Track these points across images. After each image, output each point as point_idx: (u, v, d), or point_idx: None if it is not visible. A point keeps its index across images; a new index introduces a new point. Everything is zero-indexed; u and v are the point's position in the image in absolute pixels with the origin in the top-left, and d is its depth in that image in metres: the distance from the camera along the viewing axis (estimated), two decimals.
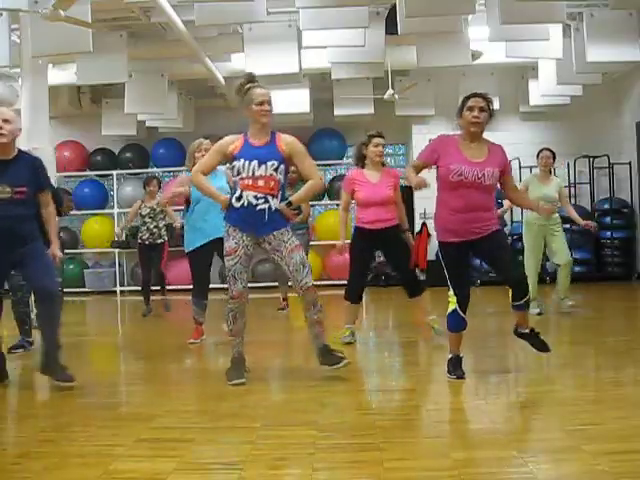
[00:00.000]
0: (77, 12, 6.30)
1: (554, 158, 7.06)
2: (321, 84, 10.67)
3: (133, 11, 8.27)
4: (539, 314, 6.80)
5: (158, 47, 9.19)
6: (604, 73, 9.80)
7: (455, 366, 4.25)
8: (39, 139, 7.57)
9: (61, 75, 9.60)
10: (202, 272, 5.87)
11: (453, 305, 4.20)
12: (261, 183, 4.18)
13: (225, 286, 4.44)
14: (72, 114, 11.76)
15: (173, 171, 12.30)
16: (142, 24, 8.74)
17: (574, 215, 7.08)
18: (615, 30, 7.85)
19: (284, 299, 8.14)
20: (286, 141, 4.32)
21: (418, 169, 4.22)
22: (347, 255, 5.82)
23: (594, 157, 11.03)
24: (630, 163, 10.76)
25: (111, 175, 12.19)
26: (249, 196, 4.18)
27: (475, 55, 8.91)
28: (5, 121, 4.22)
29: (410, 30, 7.56)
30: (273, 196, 4.22)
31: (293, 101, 10.22)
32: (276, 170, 4.21)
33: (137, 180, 12.79)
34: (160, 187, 8.39)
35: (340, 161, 12.14)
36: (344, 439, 3.12)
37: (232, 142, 4.31)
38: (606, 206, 10.91)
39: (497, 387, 4.12)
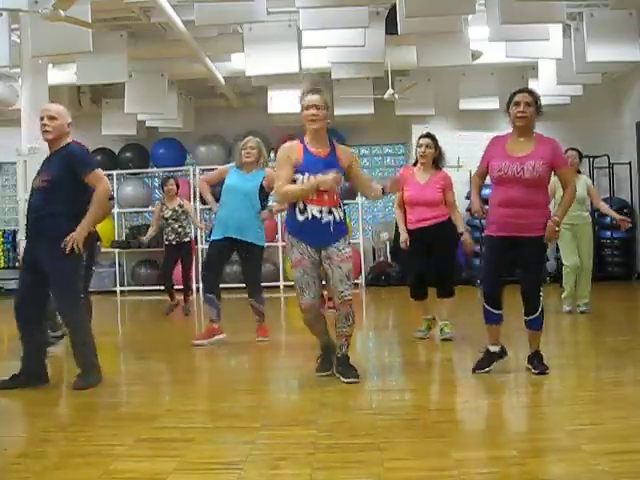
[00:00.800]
0: (77, 12, 6.30)
1: (580, 157, 7.05)
2: (321, 84, 10.66)
3: (133, 11, 8.28)
4: (583, 312, 6.91)
5: (158, 47, 9.19)
6: (604, 73, 9.81)
7: (482, 359, 4.34)
8: (39, 139, 7.56)
9: (61, 75, 9.61)
10: (213, 262, 5.83)
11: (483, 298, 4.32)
12: (326, 197, 4.14)
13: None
14: (72, 114, 11.66)
15: (173, 171, 12.30)
16: (142, 24, 8.75)
17: (608, 210, 7.05)
18: (615, 30, 7.86)
19: (329, 298, 8.13)
20: (345, 153, 4.31)
21: (482, 176, 4.40)
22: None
23: (594, 157, 11.03)
24: (630, 163, 10.76)
25: (111, 175, 12.16)
26: (313, 210, 4.13)
27: (475, 55, 8.91)
28: (51, 118, 4.25)
29: (410, 30, 7.56)
30: (337, 207, 4.20)
31: (293, 101, 10.21)
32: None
33: (137, 180, 12.81)
34: (178, 186, 8.28)
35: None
36: (344, 439, 3.12)
37: (293, 150, 4.23)
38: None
39: (497, 387, 4.12)
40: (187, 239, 8.13)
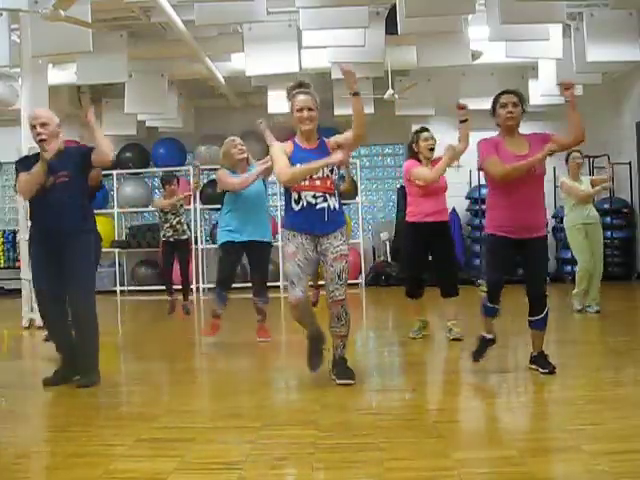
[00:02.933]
0: (77, 12, 6.30)
1: (588, 159, 7.14)
2: (321, 84, 10.66)
3: (133, 11, 8.28)
4: (597, 312, 6.96)
5: (158, 47, 9.19)
6: (604, 73, 9.81)
7: (479, 346, 4.39)
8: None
9: (61, 75, 9.61)
10: (227, 266, 5.84)
11: (483, 294, 4.34)
12: (318, 182, 4.11)
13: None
14: (72, 114, 11.75)
15: (173, 171, 12.29)
16: (142, 24, 8.75)
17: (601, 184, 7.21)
18: (615, 30, 7.86)
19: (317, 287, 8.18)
20: (330, 141, 4.30)
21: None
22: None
23: (594, 157, 11.03)
24: (630, 163, 10.77)
25: (111, 175, 12.18)
26: (307, 196, 4.10)
27: (475, 55, 8.91)
28: (43, 125, 4.28)
29: (410, 30, 7.56)
30: (331, 194, 4.15)
31: None
32: (331, 171, 4.16)
33: (137, 180, 12.81)
34: (179, 185, 8.28)
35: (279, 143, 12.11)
36: (344, 439, 3.12)
37: (286, 145, 4.24)
38: (606, 206, 10.90)
39: (497, 387, 4.12)
40: (185, 236, 8.06)
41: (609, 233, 10.78)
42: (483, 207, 6.21)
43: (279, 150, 4.22)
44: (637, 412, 3.38)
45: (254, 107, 11.23)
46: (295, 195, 4.14)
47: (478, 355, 4.40)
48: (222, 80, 10.14)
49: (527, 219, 4.14)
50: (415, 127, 8.70)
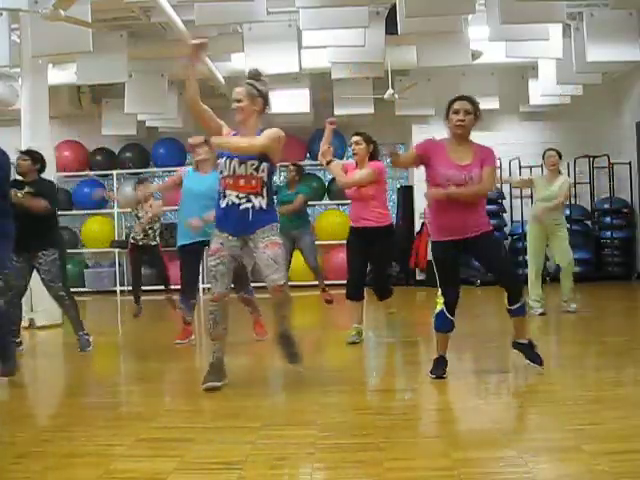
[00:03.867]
0: (77, 12, 6.29)
1: (560, 157, 7.09)
2: (321, 84, 10.67)
3: (133, 11, 8.27)
4: (542, 314, 6.81)
5: (158, 47, 9.18)
6: (604, 73, 9.80)
7: (437, 365, 4.28)
8: (39, 139, 7.56)
9: (61, 75, 9.60)
10: (189, 270, 5.79)
11: (440, 306, 4.23)
12: (242, 182, 4.08)
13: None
14: (72, 114, 11.75)
15: (173, 171, 12.28)
16: (142, 24, 8.74)
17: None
18: (615, 30, 7.85)
19: (323, 289, 8.29)
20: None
21: (409, 158, 4.35)
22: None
23: (594, 157, 11.03)
24: (630, 163, 10.76)
25: (111, 175, 12.18)
26: (231, 195, 4.09)
27: (475, 55, 8.90)
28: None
29: (410, 30, 7.55)
30: (256, 195, 4.10)
31: (293, 101, 10.22)
32: (257, 169, 4.09)
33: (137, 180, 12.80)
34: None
35: (340, 161, 12.11)
36: (344, 439, 3.12)
37: (228, 130, 4.25)
38: (606, 206, 10.91)
39: (497, 387, 4.12)
40: (154, 242, 8.00)
41: (609, 233, 10.79)
42: None
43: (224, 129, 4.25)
44: (637, 412, 3.38)
45: None
46: (222, 191, 4.13)
47: (439, 374, 4.25)
48: (222, 80, 10.14)
49: (461, 219, 4.09)
50: (415, 127, 8.71)
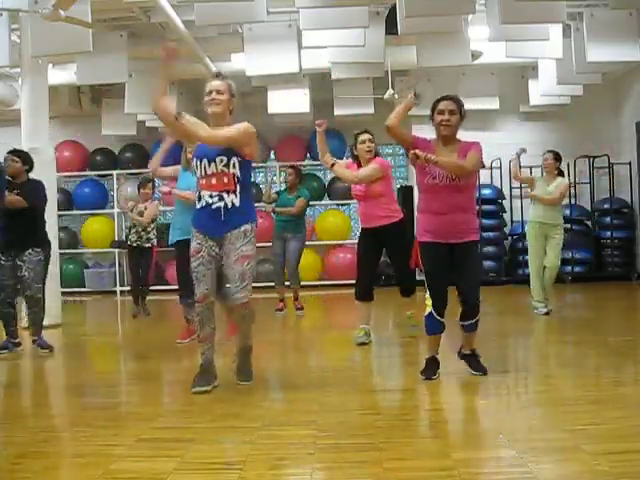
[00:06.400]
0: (77, 12, 6.28)
1: (559, 160, 7.15)
2: (321, 84, 10.66)
3: (133, 11, 8.27)
4: (546, 314, 6.85)
5: (158, 47, 9.17)
6: (604, 73, 9.79)
7: (428, 367, 4.28)
8: (39, 139, 7.56)
9: (61, 75, 9.59)
10: (185, 267, 5.77)
11: (429, 308, 4.21)
12: (214, 181, 4.04)
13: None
14: (72, 114, 11.75)
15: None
16: (142, 24, 8.73)
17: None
18: (615, 30, 7.84)
19: (281, 300, 8.05)
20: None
21: (406, 134, 4.29)
22: None
23: (594, 157, 11.03)
24: (630, 163, 10.76)
25: (111, 175, 12.17)
26: (205, 196, 4.05)
27: (475, 55, 8.89)
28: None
29: (410, 30, 7.55)
30: (229, 192, 4.03)
31: (293, 101, 10.21)
32: (227, 165, 4.03)
33: (137, 180, 12.79)
34: (154, 190, 8.35)
35: (340, 161, 12.09)
36: (344, 439, 3.12)
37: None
38: (606, 206, 10.91)
39: (497, 387, 4.12)
40: (148, 245, 8.15)
41: (609, 233, 10.78)
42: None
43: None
44: (637, 412, 3.38)
45: (254, 107, 11.22)
46: (198, 193, 4.11)
47: (429, 375, 4.25)
48: None
49: (450, 224, 4.08)
50: (416, 127, 8.69)
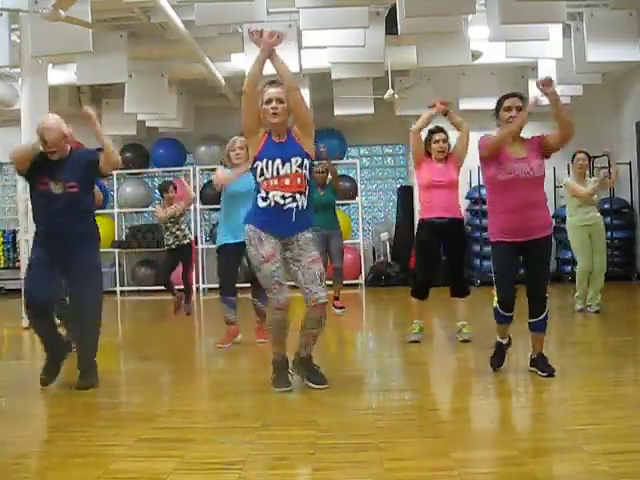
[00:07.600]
0: (77, 12, 6.29)
1: (589, 159, 7.16)
2: (321, 84, 10.67)
3: (133, 11, 8.27)
4: (596, 312, 6.97)
5: (158, 47, 9.19)
6: (604, 73, 9.80)
7: (495, 354, 4.37)
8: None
9: (61, 75, 9.60)
10: (229, 270, 5.74)
11: (495, 302, 4.25)
12: (287, 182, 3.98)
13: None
14: (72, 114, 11.73)
15: (173, 171, 12.30)
16: (142, 24, 8.74)
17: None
18: (615, 30, 7.85)
19: (336, 297, 7.85)
20: (295, 130, 4.15)
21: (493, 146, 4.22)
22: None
23: (594, 157, 11.01)
24: (630, 163, 10.76)
25: (111, 175, 12.17)
26: (276, 196, 3.96)
27: (475, 55, 8.90)
28: (48, 130, 4.26)
29: (410, 30, 7.55)
30: (301, 193, 4.00)
31: None
32: (300, 166, 4.01)
33: (137, 180, 12.80)
34: (176, 191, 8.34)
35: (340, 161, 12.12)
36: (344, 439, 3.12)
37: (261, 132, 4.11)
38: (606, 206, 10.89)
39: (497, 387, 4.12)
40: (186, 241, 8.20)
41: (609, 233, 10.74)
42: (484, 207, 6.17)
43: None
44: (637, 412, 3.38)
45: None
46: (263, 193, 4.01)
47: (497, 362, 4.35)
48: (222, 80, 10.14)
49: (527, 221, 4.11)
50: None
